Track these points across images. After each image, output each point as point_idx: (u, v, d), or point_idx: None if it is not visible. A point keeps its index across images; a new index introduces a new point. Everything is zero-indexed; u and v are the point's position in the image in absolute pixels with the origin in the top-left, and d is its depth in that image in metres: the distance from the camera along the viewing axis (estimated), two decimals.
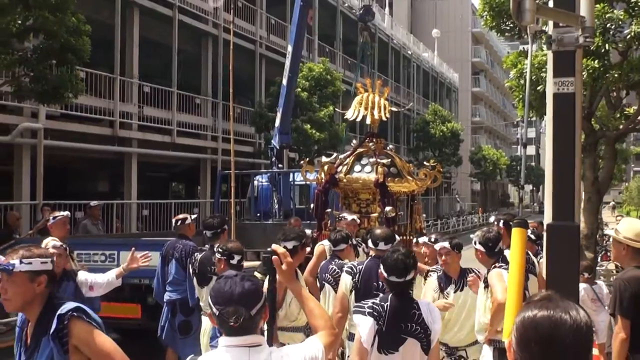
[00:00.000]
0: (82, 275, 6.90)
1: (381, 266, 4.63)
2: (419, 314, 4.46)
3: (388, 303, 4.44)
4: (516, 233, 3.74)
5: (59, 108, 17.83)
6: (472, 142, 67.68)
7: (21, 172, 17.86)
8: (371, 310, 4.37)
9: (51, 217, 8.47)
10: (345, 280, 6.06)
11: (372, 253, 6.24)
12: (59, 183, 21.47)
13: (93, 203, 15.24)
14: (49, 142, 18.25)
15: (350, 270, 6.11)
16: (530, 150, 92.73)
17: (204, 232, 7.83)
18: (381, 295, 4.78)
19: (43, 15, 10.81)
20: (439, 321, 4.59)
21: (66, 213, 8.65)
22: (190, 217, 8.28)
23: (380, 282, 5.87)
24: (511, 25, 9.55)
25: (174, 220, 9.23)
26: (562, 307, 1.99)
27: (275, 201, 16.75)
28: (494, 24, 9.68)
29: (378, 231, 6.30)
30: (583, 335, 1.95)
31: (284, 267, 3.35)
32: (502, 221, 7.46)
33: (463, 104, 68.01)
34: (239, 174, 18.49)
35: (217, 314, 2.85)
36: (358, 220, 8.89)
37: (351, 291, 5.98)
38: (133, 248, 6.73)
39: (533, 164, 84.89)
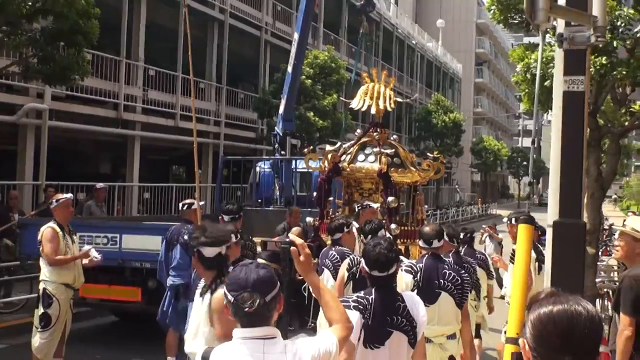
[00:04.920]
0: None
1: (362, 260, 4.50)
2: (404, 306, 4.35)
3: (372, 296, 4.33)
4: (522, 229, 3.78)
5: (65, 89, 17.85)
6: (474, 132, 67.74)
7: (25, 152, 17.91)
8: (356, 304, 4.25)
9: (54, 200, 8.46)
10: (406, 279, 5.95)
11: (424, 252, 6.18)
12: (62, 164, 21.55)
13: (99, 185, 15.25)
14: (54, 122, 18.31)
15: (410, 269, 6.00)
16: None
17: (221, 216, 7.87)
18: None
19: None
20: (424, 312, 4.49)
21: (69, 195, 8.62)
22: (198, 203, 8.29)
23: (442, 280, 5.91)
24: (519, 19, 9.58)
25: (180, 205, 9.28)
26: (573, 300, 2.08)
27: (277, 188, 16.77)
28: (501, 17, 9.70)
29: (427, 229, 6.25)
30: (597, 324, 2.06)
31: (302, 258, 3.38)
32: (513, 219, 7.93)
33: (465, 95, 68.01)
34: (242, 159, 18.55)
35: (232, 301, 2.89)
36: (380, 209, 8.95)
37: (412, 290, 5.84)
38: None
39: (534, 156, 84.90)
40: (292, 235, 3.53)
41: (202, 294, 4.63)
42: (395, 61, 45.52)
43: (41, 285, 8.12)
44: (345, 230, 7.43)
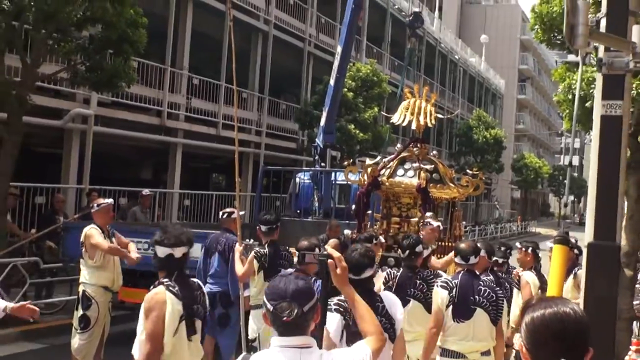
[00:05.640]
0: None
1: None
2: (382, 306, 4.57)
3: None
4: (557, 250, 3.83)
5: (110, 96, 18.21)
6: (515, 149, 67.17)
7: (70, 156, 18.26)
8: (337, 307, 4.43)
9: (95, 205, 8.64)
10: (441, 295, 6.07)
11: (459, 268, 6.28)
12: (105, 169, 21.91)
13: (145, 192, 15.50)
14: (99, 128, 18.66)
15: (445, 284, 6.12)
16: (574, 160, 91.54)
17: (259, 226, 7.98)
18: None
19: (103, 6, 11.09)
20: (402, 311, 4.70)
21: (110, 200, 8.80)
22: (238, 212, 8.40)
23: (477, 297, 5.99)
24: (562, 39, 9.59)
25: (220, 213, 9.40)
26: (562, 303, 2.29)
27: (316, 199, 16.87)
28: (545, 37, 9.71)
29: (464, 245, 6.36)
30: (585, 324, 2.25)
31: (338, 271, 3.50)
32: (530, 248, 8.46)
33: (507, 111, 67.54)
34: (281, 170, 18.70)
35: (271, 310, 2.98)
36: (442, 227, 9.04)
37: (447, 306, 6.01)
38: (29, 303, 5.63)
39: (576, 174, 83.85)
40: (329, 248, 3.64)
41: None
42: (438, 75, 45.44)
43: (81, 288, 8.30)
44: (374, 242, 7.53)
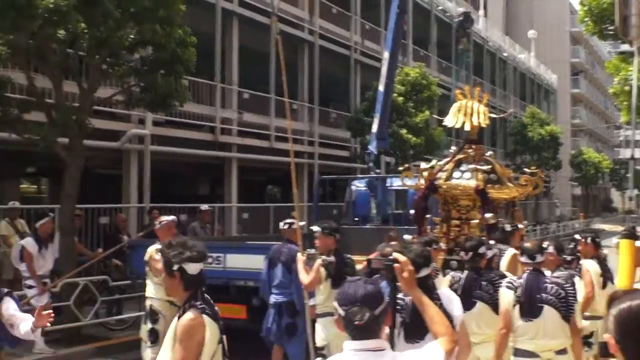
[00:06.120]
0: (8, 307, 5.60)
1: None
2: (440, 303, 4.51)
3: (410, 297, 4.44)
4: (624, 245, 3.78)
5: (164, 115, 18.54)
6: (572, 145, 65.91)
7: (129, 176, 18.66)
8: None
9: (158, 222, 8.85)
10: (507, 295, 6.10)
11: (526, 268, 6.27)
12: (163, 186, 22.26)
13: (204, 207, 15.73)
14: (155, 147, 19.02)
15: (510, 285, 6.14)
16: (637, 153, 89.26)
17: (333, 235, 8.04)
18: None
19: (153, 28, 11.32)
20: (459, 307, 4.66)
21: (172, 217, 9.01)
22: (298, 222, 8.48)
23: (543, 294, 5.99)
24: (614, 31, 9.45)
25: (281, 224, 9.52)
26: None
27: (373, 206, 16.86)
28: (596, 29, 9.58)
29: (529, 244, 6.39)
30: None
31: (405, 274, 3.54)
32: (589, 238, 8.57)
33: (562, 106, 66.35)
34: (337, 178, 18.73)
35: (343, 315, 3.05)
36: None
37: (514, 305, 6.03)
38: (40, 305, 5.50)
39: (639, 167, 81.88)
40: (396, 253, 3.68)
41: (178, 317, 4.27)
42: (487, 75, 45.01)
43: (147, 302, 8.51)
44: (433, 247, 7.54)
